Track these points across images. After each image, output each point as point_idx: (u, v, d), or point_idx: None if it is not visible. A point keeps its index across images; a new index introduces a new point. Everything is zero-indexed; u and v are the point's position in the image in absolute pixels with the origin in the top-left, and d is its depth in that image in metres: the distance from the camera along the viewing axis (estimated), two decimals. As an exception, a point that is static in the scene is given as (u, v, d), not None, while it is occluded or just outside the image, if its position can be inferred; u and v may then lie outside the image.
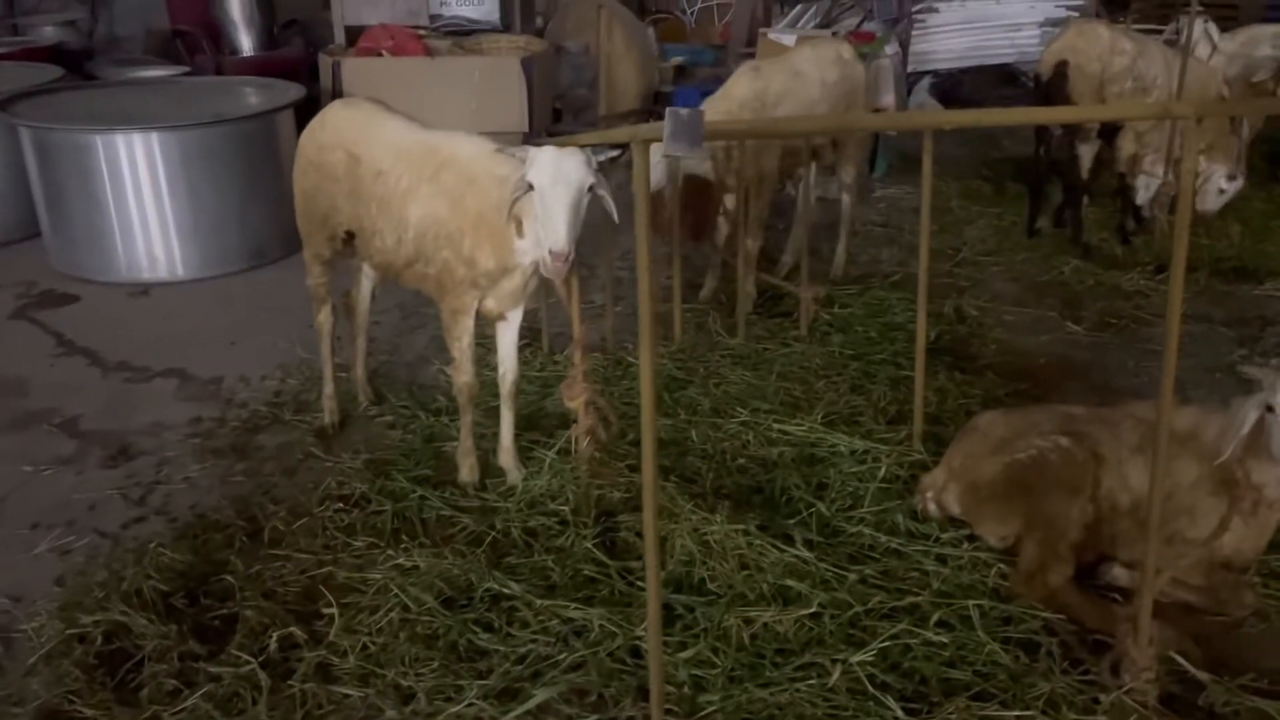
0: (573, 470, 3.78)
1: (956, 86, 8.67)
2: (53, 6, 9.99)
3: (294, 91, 6.82)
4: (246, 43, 8.80)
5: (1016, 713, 2.76)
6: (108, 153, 6.00)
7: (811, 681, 2.84)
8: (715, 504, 3.58)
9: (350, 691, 2.90)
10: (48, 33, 9.35)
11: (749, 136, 4.86)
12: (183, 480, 4.08)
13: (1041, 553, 3.24)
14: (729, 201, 5.10)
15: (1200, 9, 6.44)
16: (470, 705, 2.82)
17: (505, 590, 3.24)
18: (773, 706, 2.78)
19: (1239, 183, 6.18)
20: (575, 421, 3.76)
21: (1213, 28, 7.04)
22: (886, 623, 3.06)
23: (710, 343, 5.03)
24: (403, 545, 3.49)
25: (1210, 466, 3.13)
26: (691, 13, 11.51)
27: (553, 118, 8.30)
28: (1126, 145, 6.23)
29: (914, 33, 8.45)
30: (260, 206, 6.32)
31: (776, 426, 4.14)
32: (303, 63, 8.58)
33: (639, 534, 3.44)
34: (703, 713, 2.79)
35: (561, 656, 2.98)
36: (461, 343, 3.74)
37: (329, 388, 4.44)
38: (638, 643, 3.00)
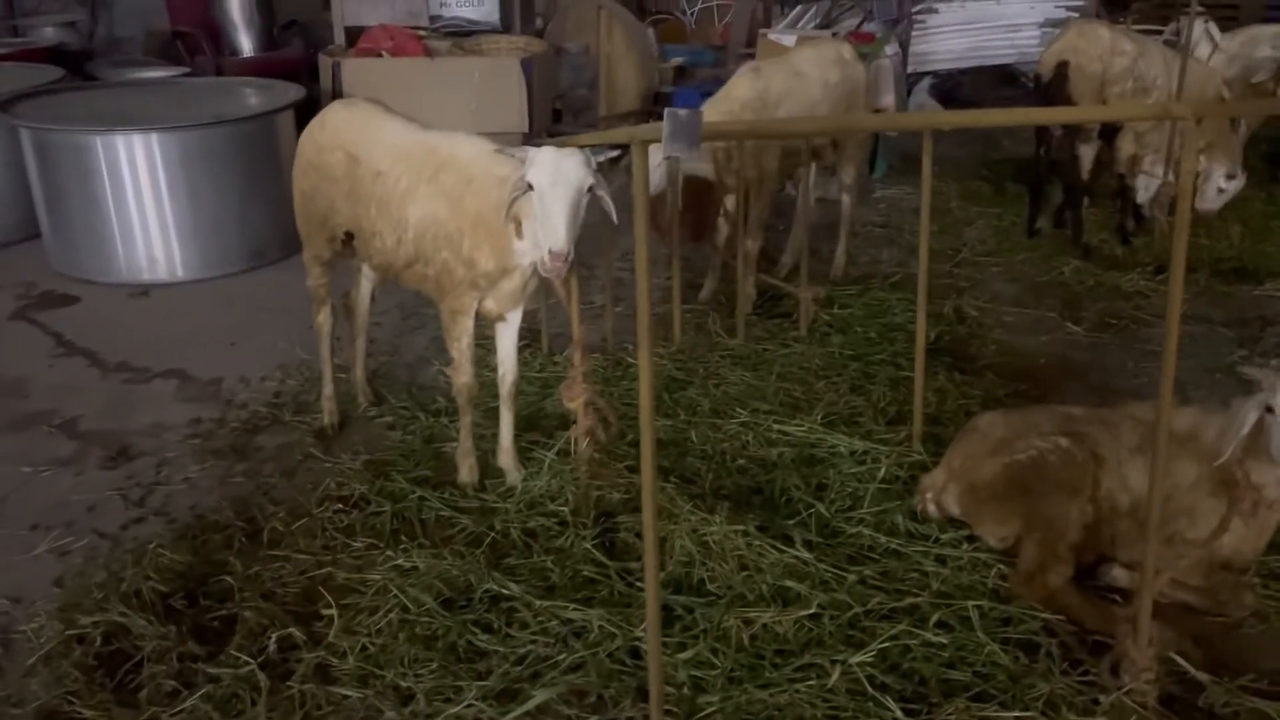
0: (572, 471, 3.78)
1: (956, 87, 8.67)
2: (53, 8, 10.00)
3: (294, 92, 6.82)
4: (246, 44, 8.80)
5: (1016, 713, 2.76)
6: (108, 154, 6.00)
7: (811, 682, 2.84)
8: (715, 505, 3.58)
9: (349, 692, 2.90)
10: (48, 34, 9.36)
11: (749, 137, 4.86)
12: (182, 481, 4.08)
13: (1041, 553, 3.24)
14: (729, 202, 5.10)
15: (1201, 9, 6.44)
16: (469, 706, 2.82)
17: (504, 591, 3.24)
18: (772, 707, 2.78)
19: (1239, 181, 6.18)
20: (575, 422, 3.76)
21: (1214, 28, 7.04)
22: (886, 623, 3.05)
23: (710, 343, 5.03)
24: (402, 546, 3.49)
25: (1210, 467, 3.13)
26: (691, 13, 11.51)
27: (552, 118, 8.30)
28: (1126, 146, 6.23)
29: (914, 33, 8.45)
30: (260, 207, 6.32)
31: (776, 427, 4.13)
32: (302, 63, 8.59)
33: (638, 535, 3.44)
34: (702, 713, 2.78)
35: (561, 657, 2.98)
36: (461, 343, 3.74)
37: (328, 389, 4.44)
38: (637, 643, 3.00)
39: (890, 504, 3.63)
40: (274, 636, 3.09)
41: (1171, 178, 5.93)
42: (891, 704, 2.77)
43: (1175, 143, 5.88)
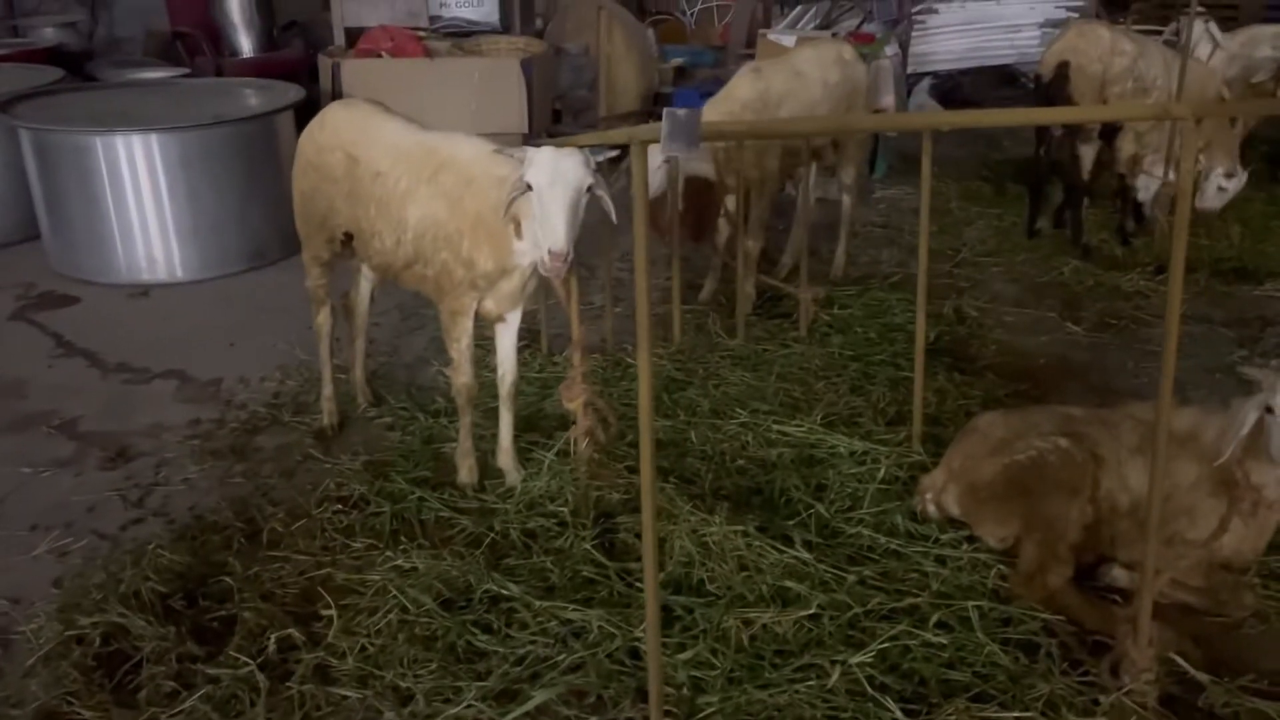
0: (572, 472, 3.78)
1: (956, 88, 8.68)
2: (53, 8, 10.00)
3: (293, 93, 6.83)
4: (246, 44, 8.80)
5: (1016, 714, 2.76)
6: (107, 154, 6.00)
7: (811, 683, 2.84)
8: (714, 505, 3.58)
9: (349, 693, 2.90)
10: (48, 34, 9.35)
11: (748, 137, 4.87)
12: (181, 482, 4.08)
13: (1041, 554, 3.24)
14: (730, 203, 5.10)
15: (1201, 9, 6.44)
16: (469, 707, 2.82)
17: (504, 591, 3.24)
18: (772, 708, 2.78)
19: (1240, 179, 6.19)
20: (574, 423, 3.76)
21: (1215, 27, 7.04)
22: (886, 624, 3.05)
23: (710, 344, 5.03)
24: (401, 547, 3.49)
25: (1210, 467, 3.13)
26: (691, 14, 11.51)
27: (552, 119, 8.30)
28: (1126, 146, 6.23)
29: (914, 34, 8.45)
30: (260, 208, 6.32)
31: (776, 428, 4.13)
32: (302, 64, 8.58)
33: (638, 535, 3.43)
34: (702, 714, 2.78)
35: (560, 658, 2.98)
36: (460, 344, 3.73)
37: (328, 389, 4.43)
38: (637, 644, 3.00)
39: (890, 504, 3.63)
40: (273, 637, 3.08)
41: (1172, 177, 5.93)
42: (891, 704, 2.77)
43: (1175, 142, 5.88)
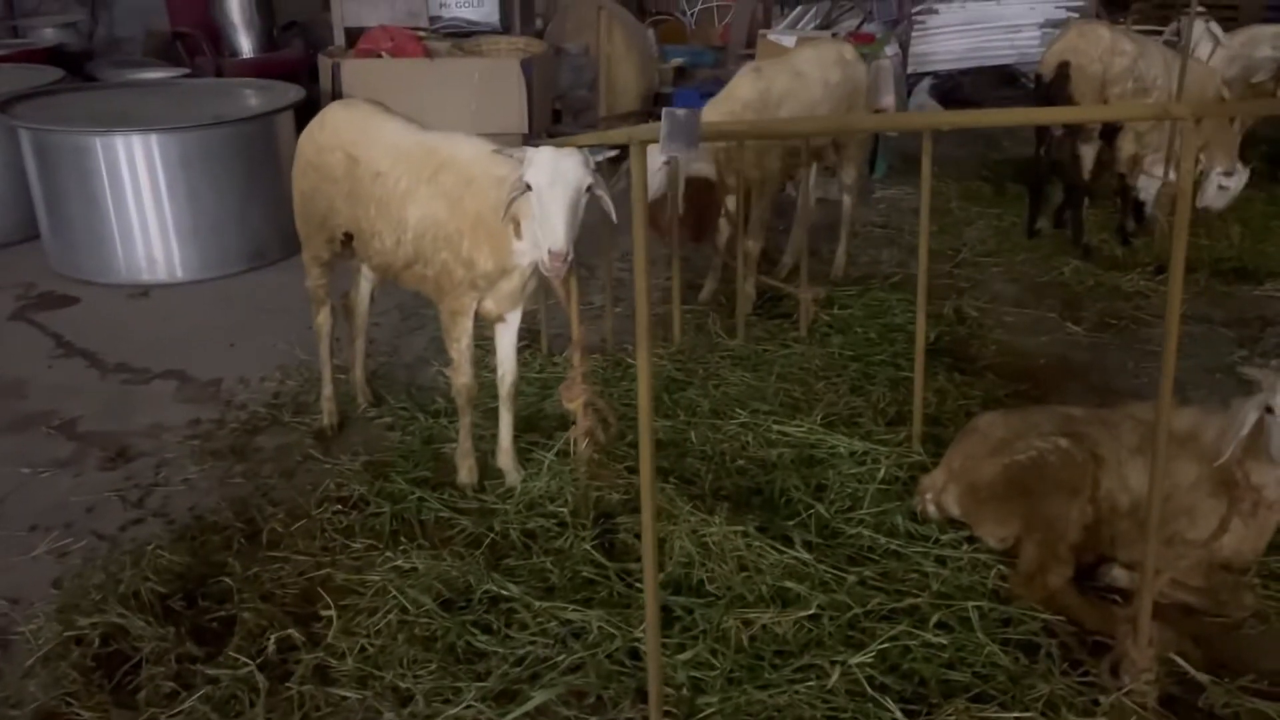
0: (571, 472, 3.77)
1: (956, 88, 8.68)
2: (53, 8, 9.99)
3: (293, 93, 6.82)
4: (246, 44, 8.80)
5: (1016, 714, 2.75)
6: (107, 154, 6.00)
7: (810, 683, 2.84)
8: (714, 505, 3.58)
9: (348, 694, 2.90)
10: (48, 34, 9.35)
11: (747, 137, 4.86)
12: (181, 482, 4.08)
13: (1041, 554, 3.23)
14: (730, 203, 5.10)
15: (1201, 9, 6.43)
16: (469, 707, 2.82)
17: (504, 592, 3.24)
18: (771, 708, 2.78)
19: (1241, 177, 6.19)
20: (574, 423, 3.75)
21: (1216, 27, 7.04)
22: (886, 624, 3.05)
23: (710, 344, 5.03)
24: (401, 547, 3.49)
25: (1210, 467, 3.13)
26: (691, 14, 11.51)
27: (552, 119, 8.30)
28: (1127, 146, 6.23)
29: (914, 34, 8.45)
30: (260, 208, 6.32)
31: (776, 428, 4.13)
32: (302, 64, 8.58)
33: (638, 535, 3.43)
34: (701, 714, 2.78)
35: (560, 658, 2.98)
36: (460, 344, 3.73)
37: (328, 389, 4.43)
38: (636, 644, 2.99)
39: (890, 505, 3.62)
40: (273, 638, 3.08)
41: (1172, 177, 5.93)
42: (891, 705, 2.77)
43: (1175, 142, 5.88)
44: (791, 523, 3.56)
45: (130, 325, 5.66)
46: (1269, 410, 2.97)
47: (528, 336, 4.70)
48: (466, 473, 3.90)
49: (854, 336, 5.08)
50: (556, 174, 3.18)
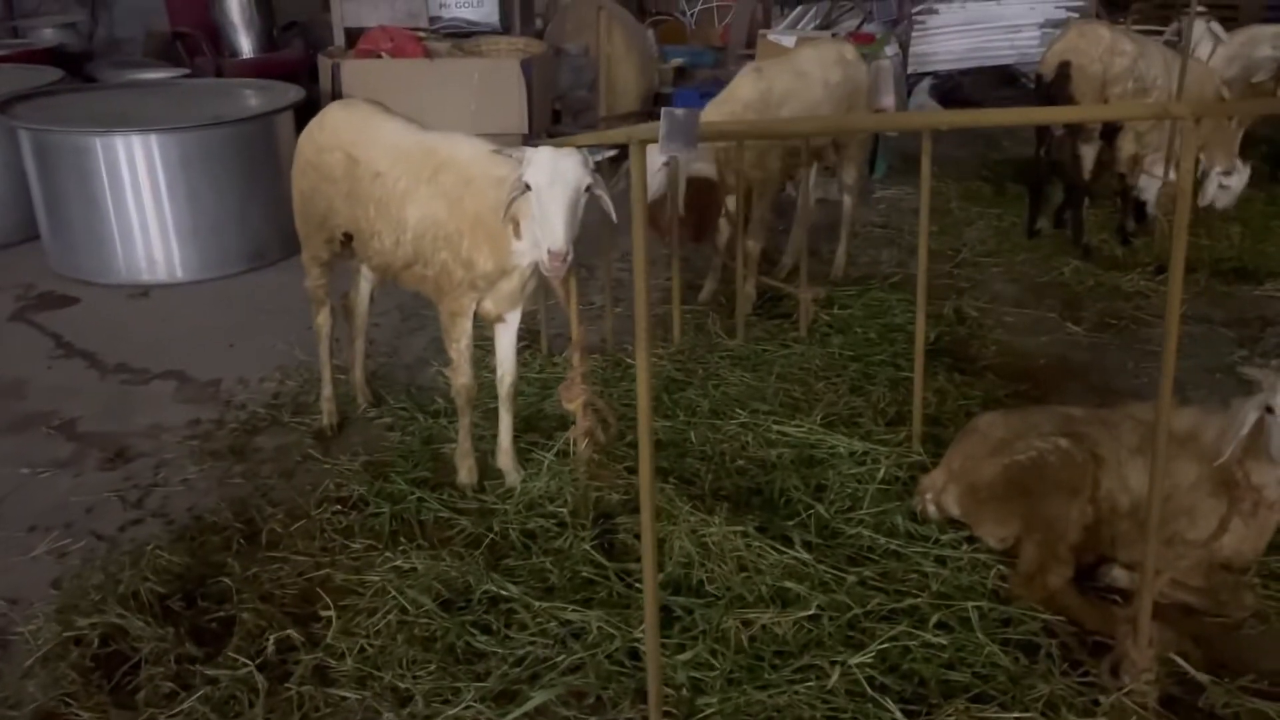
0: (571, 472, 3.77)
1: (956, 88, 8.67)
2: (53, 9, 10.00)
3: (293, 93, 6.82)
4: (246, 45, 8.80)
5: (1016, 714, 2.75)
6: (107, 155, 6.00)
7: (810, 683, 2.83)
8: (714, 505, 3.57)
9: (348, 694, 2.90)
10: (47, 35, 9.35)
11: (746, 137, 4.86)
12: (180, 482, 4.07)
13: (1041, 554, 3.23)
14: (731, 203, 5.10)
15: (1201, 9, 6.43)
16: (468, 708, 2.82)
17: (503, 592, 3.23)
18: (771, 709, 2.78)
19: (1242, 175, 6.18)
20: (574, 423, 3.75)
21: (1218, 26, 7.04)
22: (885, 624, 3.05)
23: (710, 344, 5.02)
24: (401, 547, 3.49)
25: (1210, 468, 3.12)
26: (691, 14, 11.51)
27: (552, 119, 8.29)
28: (1127, 145, 6.23)
29: (914, 34, 8.45)
30: (259, 208, 6.32)
31: (775, 428, 4.13)
32: (302, 64, 8.58)
33: (637, 536, 3.43)
34: (701, 715, 2.78)
35: (560, 659, 2.98)
36: (460, 344, 3.73)
37: (327, 389, 4.43)
38: (636, 645, 2.99)
39: (890, 505, 3.62)
40: (272, 638, 3.08)
41: (1172, 177, 5.93)
42: (891, 705, 2.77)
43: (1175, 142, 5.88)
44: (791, 523, 3.55)
45: (130, 326, 5.66)
46: (1269, 410, 2.96)
47: (527, 337, 4.70)
48: (466, 473, 3.89)
49: (854, 336, 5.07)
50: (556, 174, 3.18)
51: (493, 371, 3.93)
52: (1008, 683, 2.86)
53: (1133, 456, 3.26)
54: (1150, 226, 6.42)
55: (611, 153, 3.49)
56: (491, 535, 3.56)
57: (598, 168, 3.31)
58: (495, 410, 3.92)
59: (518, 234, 3.45)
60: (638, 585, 3.24)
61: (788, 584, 3.21)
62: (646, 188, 2.42)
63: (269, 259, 6.42)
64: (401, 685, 2.91)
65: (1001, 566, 3.32)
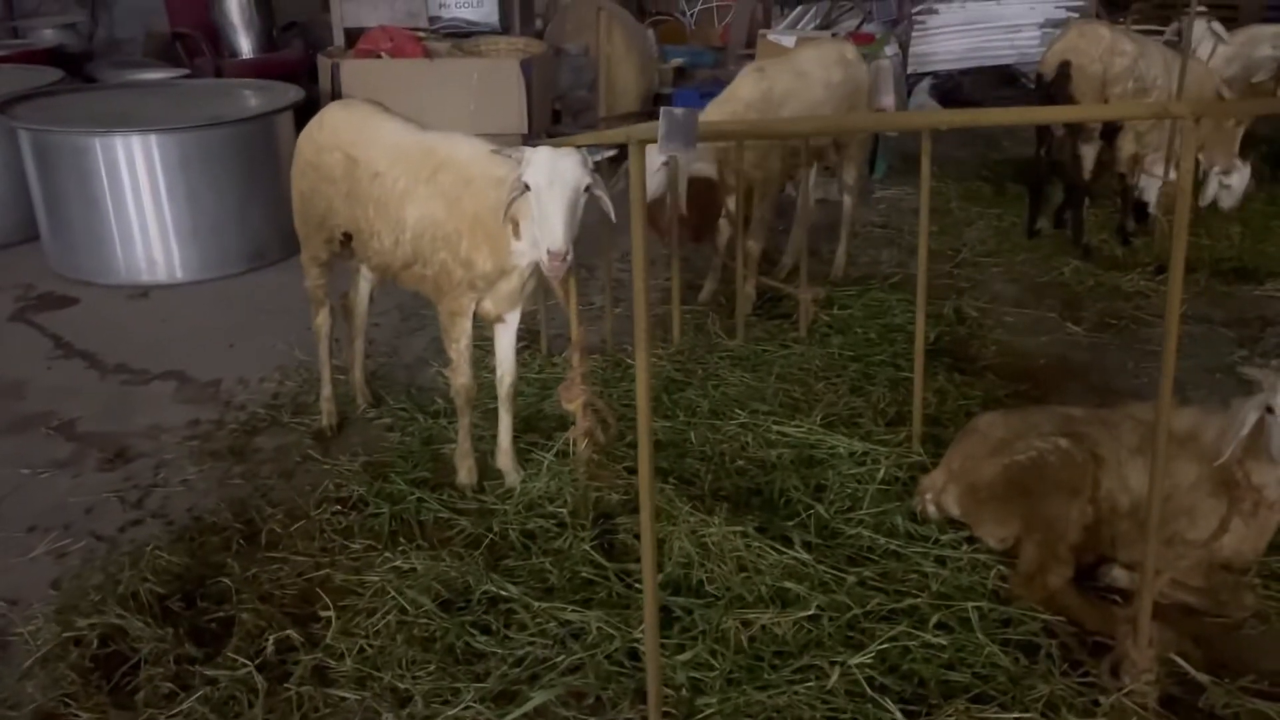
0: (571, 472, 3.77)
1: (956, 88, 8.67)
2: (52, 9, 10.00)
3: (293, 93, 6.82)
4: (246, 45, 8.80)
5: (1016, 715, 2.75)
6: (107, 155, 6.00)
7: (810, 684, 2.83)
8: (713, 506, 3.57)
9: (347, 694, 2.90)
10: (47, 35, 9.36)
11: (746, 137, 4.86)
12: (180, 483, 4.07)
13: (1041, 554, 3.23)
14: (732, 203, 5.09)
15: (1201, 9, 6.42)
16: (468, 708, 2.81)
17: (503, 592, 3.23)
18: (771, 709, 2.77)
19: (1243, 174, 6.18)
20: (573, 424, 3.75)
21: (1218, 26, 7.04)
22: (885, 625, 3.04)
23: (709, 344, 5.02)
24: (400, 548, 3.49)
25: (1210, 468, 3.12)
26: (691, 14, 11.50)
27: (552, 120, 8.30)
28: (1127, 145, 6.23)
29: (914, 34, 8.45)
30: (259, 208, 6.32)
31: (775, 428, 4.12)
32: (302, 65, 8.58)
33: (637, 536, 3.42)
34: (701, 715, 2.77)
35: (559, 659, 2.97)
36: (459, 345, 3.73)
37: (327, 390, 4.43)
38: (635, 645, 2.99)
39: (890, 505, 3.62)
40: (271, 638, 3.08)
41: (1173, 176, 5.93)
42: (891, 705, 2.76)
43: (1176, 142, 5.88)
44: (791, 523, 3.55)
45: (130, 326, 5.66)
46: (1269, 410, 2.96)
47: (527, 337, 4.69)
48: (466, 473, 3.89)
49: (854, 337, 5.07)
50: (555, 174, 3.18)
51: (492, 372, 3.93)
52: (1008, 683, 2.86)
53: (1133, 456, 3.25)
54: (1150, 226, 6.42)
55: (611, 153, 3.49)
56: (491, 535, 3.56)
57: (597, 168, 3.31)
58: (495, 410, 3.92)
59: (517, 234, 3.45)
60: (637, 585, 3.24)
61: (787, 584, 3.20)
62: (646, 188, 2.41)
63: (269, 259, 6.42)
64: (401, 686, 2.90)
65: (1001, 567, 3.32)
